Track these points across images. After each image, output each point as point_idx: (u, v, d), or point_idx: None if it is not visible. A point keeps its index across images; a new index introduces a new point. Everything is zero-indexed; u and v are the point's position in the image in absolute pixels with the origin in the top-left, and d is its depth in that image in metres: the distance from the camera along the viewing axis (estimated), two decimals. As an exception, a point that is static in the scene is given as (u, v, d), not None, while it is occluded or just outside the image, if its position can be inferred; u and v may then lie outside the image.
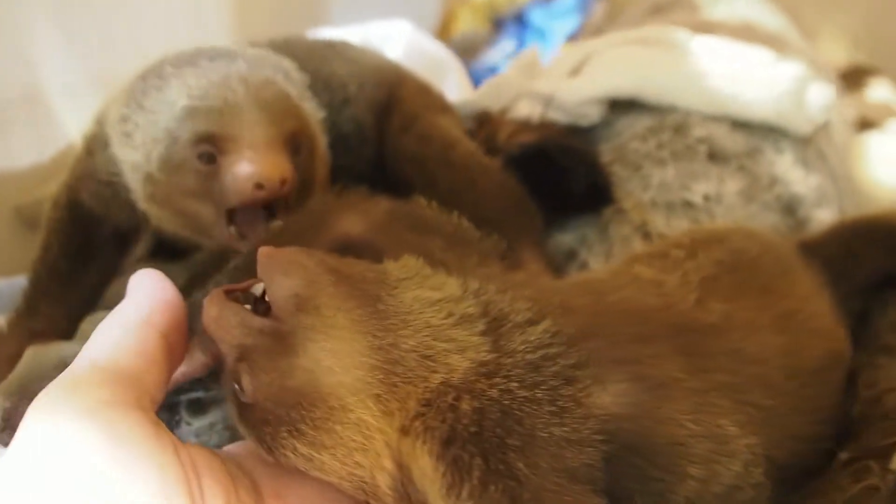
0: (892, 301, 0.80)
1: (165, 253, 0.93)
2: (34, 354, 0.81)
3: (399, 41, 1.18)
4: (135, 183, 0.75)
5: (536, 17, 1.83)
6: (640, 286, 0.68)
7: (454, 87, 1.12)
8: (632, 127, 1.00)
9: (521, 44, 1.77)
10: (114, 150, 0.77)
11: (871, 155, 1.09)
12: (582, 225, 0.93)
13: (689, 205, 0.91)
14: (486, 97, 1.06)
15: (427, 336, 0.53)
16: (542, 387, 0.52)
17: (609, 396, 0.55)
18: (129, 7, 1.13)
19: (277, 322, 0.53)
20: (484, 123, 1.02)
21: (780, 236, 0.84)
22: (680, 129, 0.97)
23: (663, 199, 0.91)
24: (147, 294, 0.57)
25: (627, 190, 0.93)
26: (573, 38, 1.75)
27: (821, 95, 1.00)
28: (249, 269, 0.59)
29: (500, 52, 1.70)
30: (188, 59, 0.74)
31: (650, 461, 0.56)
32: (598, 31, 1.83)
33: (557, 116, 1.01)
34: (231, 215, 0.72)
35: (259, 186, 0.67)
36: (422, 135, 0.90)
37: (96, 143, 0.81)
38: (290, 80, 0.77)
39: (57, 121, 1.04)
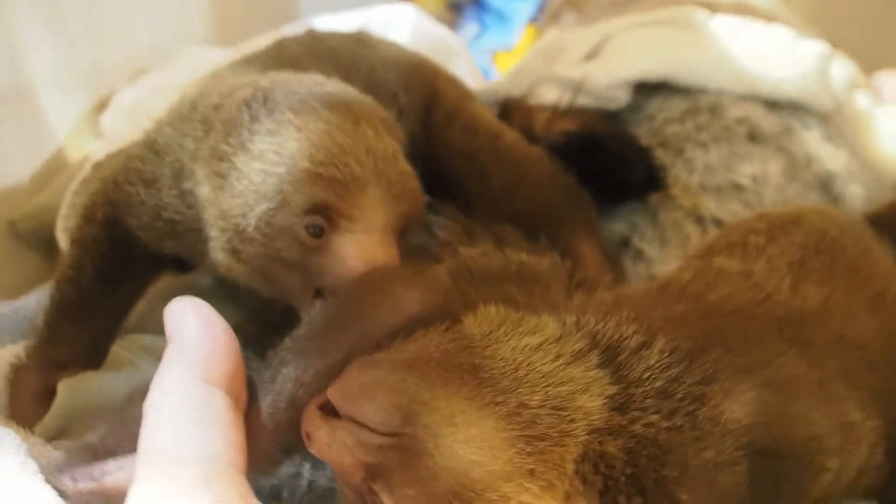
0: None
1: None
2: (71, 389, 0.73)
3: (403, 26, 1.12)
4: (217, 230, 0.66)
5: None
6: (731, 280, 0.67)
7: (464, 72, 1.07)
8: (664, 110, 0.98)
9: (483, 27, 1.74)
10: (195, 187, 0.67)
11: (879, 128, 1.10)
12: (631, 212, 0.91)
13: (738, 187, 0.90)
14: (507, 84, 1.02)
15: (548, 386, 0.49)
16: (680, 413, 0.51)
17: (740, 408, 0.53)
18: (118, 5, 1.04)
19: (396, 434, 0.48)
20: (512, 111, 0.98)
21: (852, 213, 0.84)
22: (715, 110, 0.95)
23: (712, 183, 0.90)
24: (197, 341, 0.51)
25: (673, 174, 0.91)
26: (534, 20, 1.73)
27: (843, 72, 1.01)
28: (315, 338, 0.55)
29: (465, 36, 1.66)
30: (306, 105, 0.64)
31: (788, 462, 0.54)
32: (556, 13, 1.82)
33: (586, 101, 0.98)
34: (319, 292, 0.64)
35: None
36: (467, 126, 0.86)
37: (162, 174, 0.70)
38: (397, 136, 0.69)
39: (46, 118, 0.94)
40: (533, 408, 0.48)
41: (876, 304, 0.68)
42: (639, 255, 0.88)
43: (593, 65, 0.99)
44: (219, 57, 1.12)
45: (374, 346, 0.53)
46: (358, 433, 0.48)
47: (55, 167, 0.96)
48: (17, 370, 0.74)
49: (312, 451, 0.50)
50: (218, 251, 0.66)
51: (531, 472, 0.47)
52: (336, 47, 0.84)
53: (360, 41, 0.88)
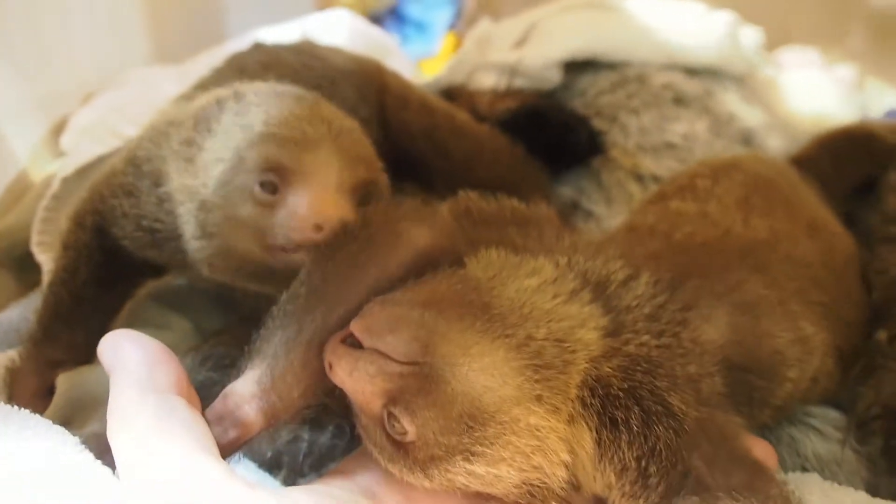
0: (877, 201, 0.89)
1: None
2: (70, 382, 0.76)
3: (341, 29, 1.18)
4: (188, 215, 0.68)
5: (412, 9, 1.86)
6: (692, 220, 0.74)
7: (399, 67, 1.12)
8: (595, 84, 1.05)
9: (403, 38, 1.81)
10: (170, 184, 0.69)
11: (786, 91, 1.21)
12: (577, 177, 0.98)
13: (671, 145, 0.98)
14: (448, 74, 1.08)
15: (550, 321, 0.54)
16: (666, 334, 0.57)
17: (715, 330, 0.59)
18: (62, 30, 1.08)
19: (416, 363, 0.52)
20: (456, 97, 1.05)
21: (778, 158, 0.93)
22: (642, 79, 1.03)
23: (647, 143, 0.98)
24: (138, 361, 0.54)
25: (611, 139, 0.99)
26: (453, 26, 1.81)
27: (751, 38, 1.11)
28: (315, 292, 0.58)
29: (388, 47, 1.72)
30: (273, 92, 0.69)
31: (756, 374, 0.61)
32: (473, 18, 1.90)
33: (522, 83, 1.05)
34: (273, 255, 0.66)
35: (318, 228, 0.62)
36: (422, 108, 0.91)
37: (142, 183, 0.73)
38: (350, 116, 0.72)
39: (5, 144, 0.97)
40: (538, 340, 0.53)
41: (811, 229, 0.77)
42: (588, 214, 0.95)
43: (526, 49, 1.06)
44: (161, 75, 1.16)
45: (389, 285, 0.57)
46: (380, 362, 0.52)
47: (20, 189, 0.98)
48: (14, 372, 0.76)
49: (335, 380, 0.54)
50: (192, 239, 0.68)
51: (538, 398, 0.52)
52: (296, 67, 0.87)
53: (312, 55, 0.91)
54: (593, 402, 0.53)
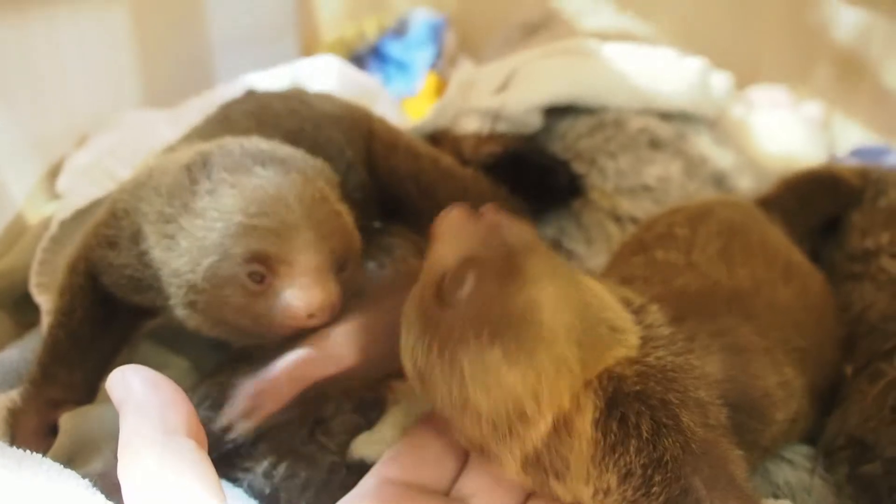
0: (840, 240, 0.94)
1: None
2: (72, 421, 0.78)
3: (330, 74, 1.22)
4: (173, 288, 0.71)
5: (394, 50, 1.91)
6: (683, 272, 0.78)
7: (385, 111, 1.17)
8: (574, 128, 1.10)
9: (385, 77, 1.85)
10: (150, 248, 0.72)
11: (756, 131, 1.26)
12: (558, 218, 1.02)
13: (647, 188, 1.02)
14: (433, 119, 1.13)
15: (611, 313, 0.58)
16: (681, 355, 0.59)
17: (712, 366, 0.63)
18: (57, 73, 1.11)
19: (512, 252, 0.56)
20: (440, 141, 1.09)
21: (746, 198, 0.97)
22: (619, 124, 1.08)
23: (624, 185, 1.02)
24: (148, 399, 0.55)
25: (590, 181, 1.03)
26: (434, 66, 1.85)
27: (721, 83, 1.16)
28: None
29: (371, 87, 1.76)
30: (240, 164, 0.70)
31: (749, 414, 0.64)
32: (453, 58, 1.95)
33: (504, 127, 1.10)
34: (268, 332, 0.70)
35: (311, 316, 0.66)
36: (409, 152, 0.95)
37: (121, 236, 0.76)
38: (330, 181, 0.75)
39: (1, 187, 1.00)
40: (600, 316, 0.56)
41: (787, 272, 0.80)
42: (570, 254, 0.99)
43: (508, 94, 1.11)
44: (155, 118, 1.19)
45: None
46: (490, 228, 0.57)
47: (17, 231, 1.00)
48: (16, 413, 0.78)
49: (442, 224, 0.60)
50: (178, 307, 0.72)
51: (580, 343, 0.54)
52: (280, 112, 0.91)
53: (301, 101, 0.95)
54: (607, 392, 0.54)
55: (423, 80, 1.81)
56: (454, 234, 0.59)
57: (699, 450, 0.54)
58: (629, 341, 0.57)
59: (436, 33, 1.94)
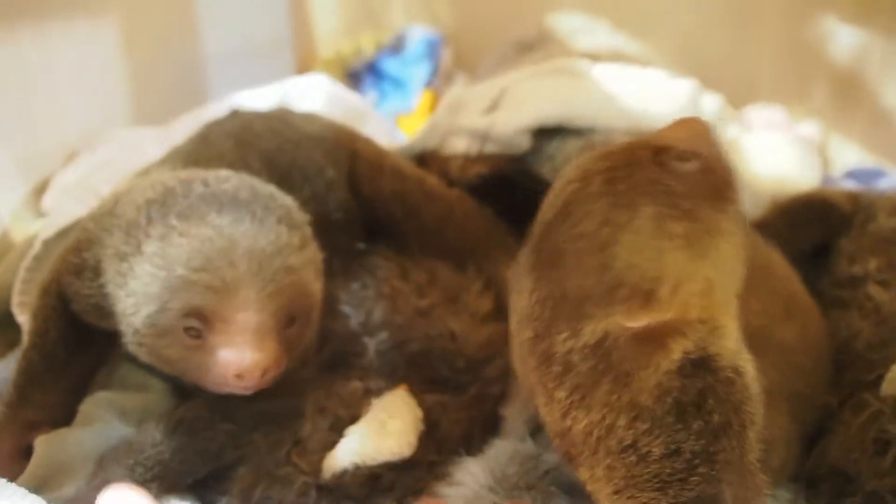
0: (828, 264, 0.94)
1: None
2: (48, 445, 0.77)
3: (318, 94, 1.22)
4: (122, 325, 0.71)
5: (390, 66, 1.91)
6: None
7: (374, 131, 1.17)
8: (562, 150, 1.09)
9: (381, 94, 1.85)
10: (107, 282, 0.72)
11: (748, 153, 1.26)
12: (544, 240, 1.01)
13: (634, 210, 1.02)
14: (422, 139, 1.12)
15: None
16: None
17: None
18: (46, 90, 1.11)
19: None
20: (428, 161, 1.08)
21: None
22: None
23: (612, 208, 1.02)
24: None
25: (577, 204, 1.03)
26: (430, 83, 1.85)
27: (712, 104, 1.16)
28: None
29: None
30: (195, 210, 0.69)
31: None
32: (449, 75, 1.96)
33: (493, 148, 1.09)
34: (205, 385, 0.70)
35: (239, 377, 0.66)
36: (395, 173, 0.95)
37: (86, 266, 0.75)
38: (293, 223, 0.73)
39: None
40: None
41: (790, 307, 0.79)
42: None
43: (497, 115, 1.11)
44: (143, 136, 1.19)
45: None
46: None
47: (2, 249, 1.00)
48: (-8, 434, 0.78)
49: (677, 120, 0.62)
50: (129, 343, 0.72)
51: (727, 295, 0.56)
52: (261, 133, 0.90)
53: (283, 121, 0.95)
54: (705, 351, 0.53)
55: (419, 97, 1.82)
56: (693, 128, 0.59)
57: (746, 468, 0.52)
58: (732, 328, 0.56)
59: (432, 50, 1.94)
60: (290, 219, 0.72)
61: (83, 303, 0.77)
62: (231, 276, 0.65)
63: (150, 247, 0.67)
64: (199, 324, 0.66)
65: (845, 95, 1.70)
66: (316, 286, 0.73)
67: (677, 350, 0.52)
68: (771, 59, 1.82)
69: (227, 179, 0.73)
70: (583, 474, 0.56)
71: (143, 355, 0.72)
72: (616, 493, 0.53)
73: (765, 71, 1.82)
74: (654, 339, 0.52)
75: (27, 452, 0.77)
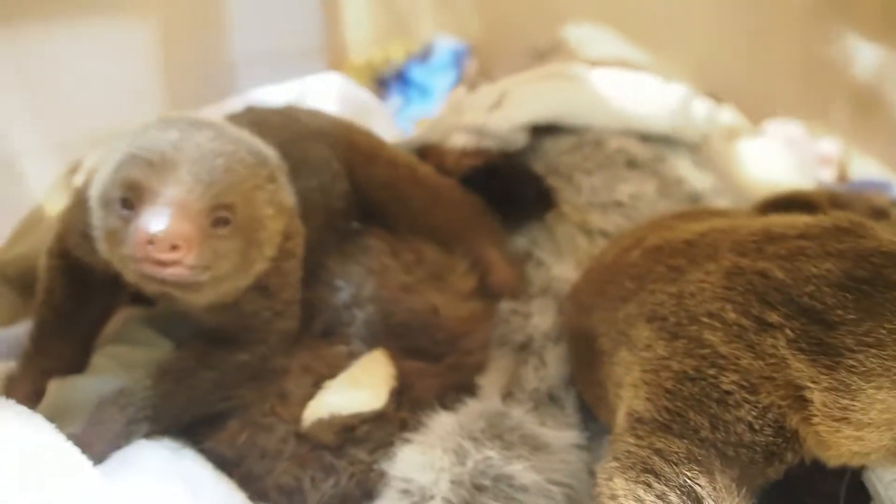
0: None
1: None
2: (57, 388, 0.86)
3: (332, 91, 1.30)
4: (94, 219, 0.76)
5: (417, 74, 1.99)
6: None
7: (381, 127, 1.24)
8: (556, 146, 1.16)
9: (406, 100, 1.93)
10: (90, 197, 0.77)
11: (742, 158, 1.30)
12: (531, 229, 1.08)
13: (618, 204, 1.08)
14: (424, 134, 1.20)
15: None
16: None
17: None
18: (81, 80, 1.21)
19: None
20: (427, 154, 1.16)
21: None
22: (598, 143, 1.14)
23: (597, 201, 1.08)
24: None
25: (564, 197, 1.09)
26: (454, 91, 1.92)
27: (703, 110, 1.21)
28: None
29: (391, 108, 1.84)
30: (173, 122, 0.75)
31: None
32: (473, 83, 2.03)
33: (489, 144, 1.16)
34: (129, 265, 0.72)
35: (150, 243, 0.67)
36: (388, 161, 1.02)
37: (78, 199, 0.84)
38: (262, 160, 0.78)
39: (25, 181, 1.09)
40: None
41: None
42: (539, 263, 1.05)
43: (495, 114, 1.18)
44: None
45: None
46: None
47: (34, 220, 1.10)
48: (11, 380, 0.87)
49: None
50: (99, 244, 0.76)
51: None
52: (274, 126, 0.96)
53: (292, 116, 1.02)
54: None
55: (442, 104, 1.89)
56: None
57: None
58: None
59: (458, 59, 2.02)
60: (259, 155, 0.78)
61: (81, 245, 0.83)
62: (171, 156, 0.70)
63: (120, 143, 0.74)
64: (133, 195, 0.70)
65: (865, 112, 1.71)
66: (270, 218, 0.76)
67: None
68: (790, 74, 1.83)
69: (233, 127, 0.79)
70: None
71: (104, 249, 0.76)
72: None
73: (784, 86, 1.83)
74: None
75: (41, 396, 0.86)
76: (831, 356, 0.60)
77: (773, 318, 0.63)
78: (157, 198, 0.69)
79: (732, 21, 1.86)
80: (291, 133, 0.98)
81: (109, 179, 0.72)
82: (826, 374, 0.60)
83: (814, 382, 0.61)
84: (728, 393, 0.63)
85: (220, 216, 0.71)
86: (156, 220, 0.67)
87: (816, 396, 0.61)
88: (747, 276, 0.66)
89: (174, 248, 0.67)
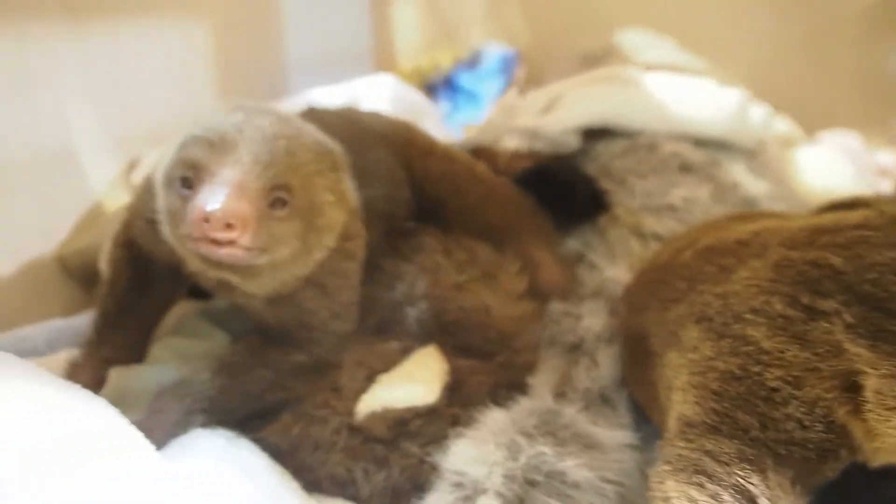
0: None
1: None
2: (118, 377, 0.88)
3: (385, 91, 1.32)
4: (159, 202, 0.76)
5: (465, 80, 2.00)
6: None
7: (432, 128, 1.25)
8: (609, 150, 1.16)
9: (454, 106, 1.94)
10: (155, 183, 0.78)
11: (800, 165, 1.29)
12: (584, 232, 1.08)
13: (672, 207, 1.07)
14: (477, 136, 1.20)
15: None
16: None
17: None
18: (142, 84, 1.25)
19: None
20: (478, 156, 1.16)
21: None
22: (652, 147, 1.14)
23: (651, 204, 1.07)
24: None
25: (617, 200, 1.09)
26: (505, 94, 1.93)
27: (760, 115, 1.20)
28: None
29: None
30: (240, 107, 0.74)
31: None
32: (522, 90, 2.03)
33: (541, 146, 1.16)
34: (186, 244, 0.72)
35: (205, 220, 0.66)
36: (446, 156, 1.03)
37: (145, 186, 0.85)
38: (324, 148, 0.78)
39: (86, 176, 1.12)
40: None
41: None
42: (592, 265, 1.04)
43: (548, 117, 1.18)
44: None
45: None
46: None
47: (95, 215, 1.13)
48: (74, 367, 0.89)
49: None
50: (166, 231, 0.76)
51: None
52: (336, 127, 0.92)
53: (352, 118, 1.02)
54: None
55: (490, 110, 1.90)
56: None
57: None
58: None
59: (507, 66, 2.03)
60: (323, 144, 0.78)
61: (146, 233, 0.83)
62: (231, 137, 0.70)
63: (201, 124, 0.73)
64: (193, 174, 0.70)
65: (924, 124, 1.69)
66: (330, 205, 0.76)
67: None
68: (847, 86, 1.82)
69: (301, 122, 0.80)
70: None
71: (169, 234, 0.75)
72: None
73: (841, 98, 1.82)
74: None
75: (102, 384, 0.87)
76: (892, 343, 0.59)
77: (828, 305, 0.62)
78: (215, 177, 0.68)
79: (788, 30, 1.85)
80: (354, 137, 0.96)
81: (172, 160, 0.73)
82: (886, 360, 0.59)
83: (873, 368, 0.59)
84: (775, 390, 0.62)
85: (277, 197, 0.71)
86: (212, 199, 0.67)
87: (872, 383, 0.59)
88: (797, 268, 0.66)
89: (229, 226, 0.67)
